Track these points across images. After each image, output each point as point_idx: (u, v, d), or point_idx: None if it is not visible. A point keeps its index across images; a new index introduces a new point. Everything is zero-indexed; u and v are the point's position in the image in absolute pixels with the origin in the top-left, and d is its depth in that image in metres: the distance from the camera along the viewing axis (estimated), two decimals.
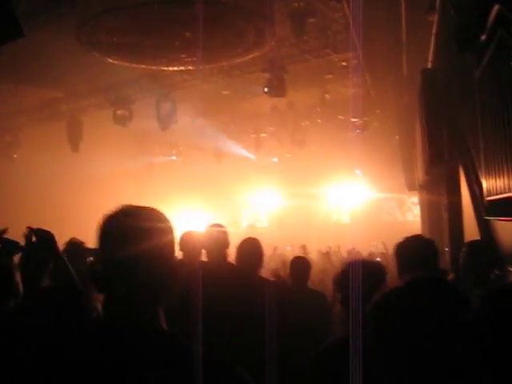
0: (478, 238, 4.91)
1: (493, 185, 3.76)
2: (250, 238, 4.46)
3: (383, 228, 16.97)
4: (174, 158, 17.57)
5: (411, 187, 13.97)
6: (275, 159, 18.86)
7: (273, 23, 7.27)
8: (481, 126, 3.91)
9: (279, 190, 19.78)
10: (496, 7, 3.08)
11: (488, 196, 3.94)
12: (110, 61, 8.22)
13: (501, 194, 3.53)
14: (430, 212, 11.76)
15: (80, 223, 4.04)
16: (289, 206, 19.92)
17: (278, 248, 13.76)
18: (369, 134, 14.44)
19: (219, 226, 4.38)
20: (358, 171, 18.14)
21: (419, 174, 10.48)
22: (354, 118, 13.84)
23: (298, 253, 13.02)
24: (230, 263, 4.30)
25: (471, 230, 5.47)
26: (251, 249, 4.34)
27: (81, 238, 4.21)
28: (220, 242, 4.24)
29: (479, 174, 4.34)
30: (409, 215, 19.00)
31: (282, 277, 6.61)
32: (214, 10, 6.49)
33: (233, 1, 6.50)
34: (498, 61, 3.45)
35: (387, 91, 12.68)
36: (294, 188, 18.98)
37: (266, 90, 10.29)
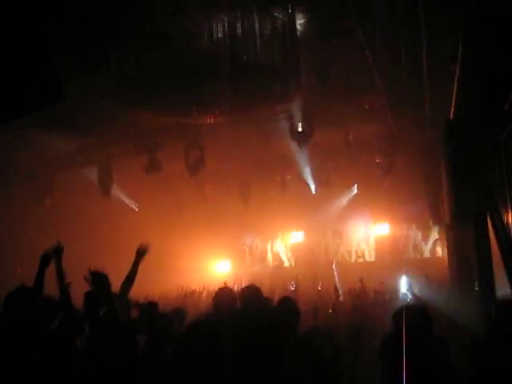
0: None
1: None
2: (251, 286, 4.73)
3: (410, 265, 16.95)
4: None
5: (437, 221, 14.03)
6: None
7: (299, 77, 7.57)
8: (508, 188, 4.09)
9: (305, 229, 19.93)
10: None
11: None
12: (143, 116, 8.58)
13: None
14: (456, 251, 11.80)
15: (113, 263, 4.33)
16: (314, 245, 20.03)
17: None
18: (393, 172, 14.59)
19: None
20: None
21: (446, 215, 10.59)
22: (378, 157, 14.05)
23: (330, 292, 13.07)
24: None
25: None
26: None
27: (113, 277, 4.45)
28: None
29: (508, 230, 4.49)
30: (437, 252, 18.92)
31: None
32: (245, 69, 6.82)
33: (262, 60, 6.80)
34: None
35: (410, 131, 12.88)
36: (321, 227, 19.14)
37: (294, 137, 10.58)
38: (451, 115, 8.92)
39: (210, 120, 8.83)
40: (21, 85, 4.09)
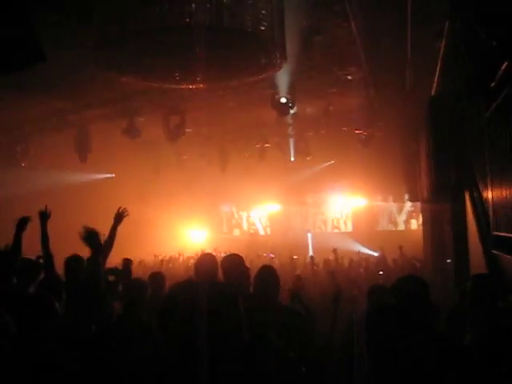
0: (483, 258, 5.16)
1: (501, 221, 3.99)
2: (233, 255, 4.76)
3: (384, 236, 17.24)
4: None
5: (413, 198, 14.24)
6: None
7: (285, 47, 7.48)
8: (489, 164, 4.15)
9: (282, 199, 20.02)
10: (505, 64, 3.32)
11: (495, 230, 4.17)
12: (124, 79, 8.42)
13: (508, 232, 3.76)
14: (432, 224, 12.03)
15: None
16: (291, 214, 20.18)
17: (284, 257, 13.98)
18: (371, 144, 14.68)
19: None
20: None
21: (422, 189, 10.74)
22: (357, 129, 14.09)
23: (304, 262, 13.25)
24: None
25: (475, 246, 5.71)
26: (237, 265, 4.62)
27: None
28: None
29: (486, 206, 4.57)
30: (412, 224, 19.24)
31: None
32: (228, 35, 6.71)
33: (247, 27, 6.70)
34: (507, 107, 3.68)
35: (391, 104, 12.93)
36: (298, 196, 19.27)
37: (275, 107, 10.52)
38: (433, 90, 8.97)
39: (191, 86, 8.67)
40: (1, 44, 3.99)
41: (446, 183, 6.24)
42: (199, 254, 5.38)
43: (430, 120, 6.94)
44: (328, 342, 4.62)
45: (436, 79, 8.23)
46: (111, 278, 5.32)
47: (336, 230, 19.89)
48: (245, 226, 21.28)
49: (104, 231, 4.90)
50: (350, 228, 19.84)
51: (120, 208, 5.24)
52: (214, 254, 5.90)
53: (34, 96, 11.89)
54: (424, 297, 3.62)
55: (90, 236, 4.15)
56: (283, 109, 10.70)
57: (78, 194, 14.98)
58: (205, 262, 4.89)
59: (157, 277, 5.89)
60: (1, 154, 14.34)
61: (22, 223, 4.88)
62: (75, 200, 14.58)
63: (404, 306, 3.57)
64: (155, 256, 14.03)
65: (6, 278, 4.64)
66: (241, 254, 4.86)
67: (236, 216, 21.44)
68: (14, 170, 14.32)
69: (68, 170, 14.89)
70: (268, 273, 4.64)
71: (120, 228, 5.18)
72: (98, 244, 4.19)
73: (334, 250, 12.11)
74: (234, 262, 4.64)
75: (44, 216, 5.00)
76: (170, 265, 13.26)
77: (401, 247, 12.56)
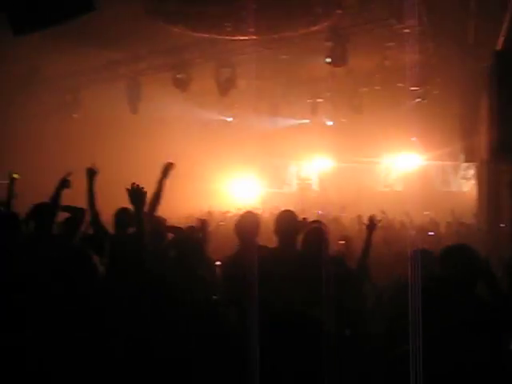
0: None
1: None
2: (287, 211, 4.69)
3: (436, 197, 16.83)
4: (230, 119, 17.69)
5: (469, 158, 13.75)
6: (330, 123, 18.75)
7: None
8: None
9: (333, 155, 19.73)
10: None
11: None
12: (175, 30, 8.28)
13: None
14: (489, 187, 11.57)
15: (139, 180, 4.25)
16: (341, 171, 19.89)
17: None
18: (427, 102, 14.15)
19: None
20: (413, 138, 17.85)
21: (481, 149, 10.29)
22: (413, 86, 13.55)
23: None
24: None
25: None
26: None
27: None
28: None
29: None
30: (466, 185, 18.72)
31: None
32: None
33: None
34: None
35: (450, 59, 12.36)
36: (350, 153, 18.93)
37: (327, 60, 10.15)
38: (499, 46, 8.44)
39: (243, 37, 8.47)
40: None
41: (509, 143, 5.88)
42: (243, 212, 5.24)
43: (495, 76, 6.53)
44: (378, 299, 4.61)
45: (502, 34, 7.73)
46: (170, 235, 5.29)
47: (387, 189, 19.55)
48: (295, 181, 21.19)
49: (151, 184, 4.85)
50: (401, 187, 19.44)
51: (168, 161, 5.15)
52: (261, 211, 5.82)
53: (88, 46, 11.89)
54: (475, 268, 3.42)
55: (135, 193, 4.11)
56: (336, 60, 10.32)
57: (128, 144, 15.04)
58: (247, 222, 4.82)
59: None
60: (53, 105, 14.49)
61: (64, 183, 4.97)
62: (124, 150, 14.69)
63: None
64: (222, 212, 14.07)
65: (45, 232, 4.77)
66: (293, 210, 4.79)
67: (287, 171, 21.37)
68: (65, 121, 14.49)
69: (118, 122, 14.95)
70: (316, 233, 4.56)
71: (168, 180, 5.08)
72: (142, 201, 4.13)
73: (383, 212, 11.85)
74: (289, 219, 4.57)
75: (91, 173, 4.99)
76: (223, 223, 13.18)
77: (453, 211, 12.23)
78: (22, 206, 5.07)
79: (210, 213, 13.86)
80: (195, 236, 5.28)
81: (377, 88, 14.69)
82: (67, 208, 5.29)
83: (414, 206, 15.31)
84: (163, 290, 3.85)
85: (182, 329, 3.58)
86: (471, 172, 17.51)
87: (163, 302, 3.74)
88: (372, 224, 5.02)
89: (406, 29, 11.20)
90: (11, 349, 3.37)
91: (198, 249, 4.73)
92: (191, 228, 5.60)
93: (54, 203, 4.93)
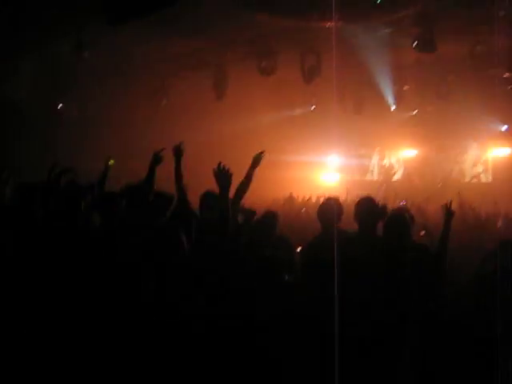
0: None
1: None
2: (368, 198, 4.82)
3: None
4: (313, 107, 17.65)
5: None
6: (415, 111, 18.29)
7: None
8: None
9: (418, 144, 19.27)
10: None
11: None
12: (260, 17, 8.38)
13: None
14: None
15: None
16: (426, 160, 19.40)
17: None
18: None
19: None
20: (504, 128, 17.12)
21: None
22: (506, 72, 12.98)
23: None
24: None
25: None
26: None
27: None
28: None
29: None
30: None
31: None
32: None
33: None
34: None
35: None
36: (434, 143, 18.42)
37: (414, 45, 9.91)
38: None
39: (329, 25, 8.44)
40: None
41: None
42: (325, 198, 5.31)
43: None
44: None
45: None
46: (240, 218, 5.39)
47: (475, 180, 18.88)
48: (377, 170, 20.92)
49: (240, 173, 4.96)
50: (489, 179, 18.72)
51: (258, 151, 5.24)
52: (343, 198, 5.87)
53: (176, 34, 12.16)
54: None
55: (222, 175, 4.19)
56: (424, 47, 10.05)
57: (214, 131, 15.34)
58: (329, 208, 4.91)
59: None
60: (141, 92, 14.99)
61: (156, 159, 5.16)
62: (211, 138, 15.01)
63: None
64: (306, 199, 14.16)
65: (138, 211, 4.90)
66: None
67: (371, 160, 21.12)
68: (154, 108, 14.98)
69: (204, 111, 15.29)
70: (397, 220, 4.58)
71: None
72: (229, 182, 4.23)
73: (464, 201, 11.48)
74: (368, 205, 4.64)
75: (178, 152, 5.16)
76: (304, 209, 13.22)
77: None
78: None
79: (291, 198, 13.93)
80: (267, 218, 5.37)
81: (466, 75, 14.19)
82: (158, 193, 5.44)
83: (504, 198, 14.76)
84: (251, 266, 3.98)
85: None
86: None
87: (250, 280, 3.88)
88: (449, 211, 4.93)
89: (501, 10, 10.74)
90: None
91: (268, 230, 4.85)
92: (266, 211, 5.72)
93: (149, 180, 5.14)
